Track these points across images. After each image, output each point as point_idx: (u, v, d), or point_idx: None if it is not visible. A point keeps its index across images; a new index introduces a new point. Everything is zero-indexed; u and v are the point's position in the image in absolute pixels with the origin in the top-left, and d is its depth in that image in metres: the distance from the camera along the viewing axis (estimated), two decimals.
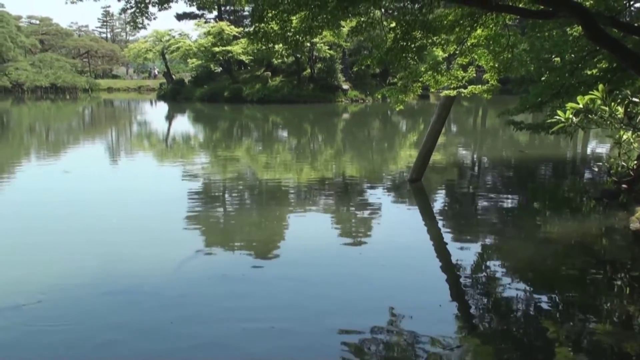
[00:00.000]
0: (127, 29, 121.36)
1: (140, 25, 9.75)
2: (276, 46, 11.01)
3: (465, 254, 10.09)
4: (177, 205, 13.51)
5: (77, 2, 9.49)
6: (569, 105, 5.64)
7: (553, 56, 15.56)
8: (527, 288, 8.39)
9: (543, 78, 15.33)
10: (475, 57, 13.10)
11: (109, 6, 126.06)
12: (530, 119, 22.97)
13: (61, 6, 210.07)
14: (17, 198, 14.65)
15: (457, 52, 12.93)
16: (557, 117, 5.74)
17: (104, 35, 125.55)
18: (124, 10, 9.46)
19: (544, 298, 8.00)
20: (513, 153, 23.60)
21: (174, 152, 25.21)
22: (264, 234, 11.52)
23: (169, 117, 48.25)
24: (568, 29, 14.06)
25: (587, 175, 18.65)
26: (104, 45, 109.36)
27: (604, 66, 14.00)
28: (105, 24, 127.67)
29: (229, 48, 56.40)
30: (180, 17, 74.41)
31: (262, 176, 18.02)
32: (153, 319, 7.28)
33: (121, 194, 14.96)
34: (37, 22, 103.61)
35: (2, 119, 45.54)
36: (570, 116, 5.63)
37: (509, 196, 15.14)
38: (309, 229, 11.84)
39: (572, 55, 14.32)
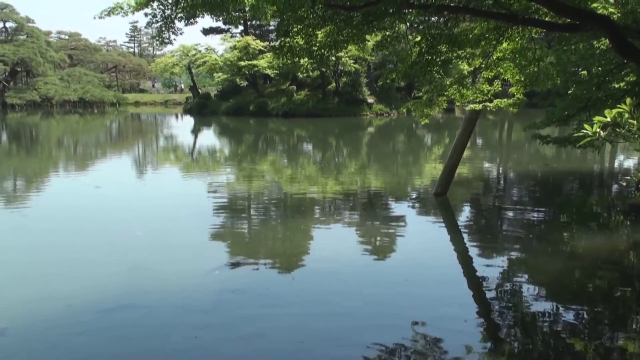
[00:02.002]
0: (155, 44, 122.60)
1: (166, 41, 9.82)
2: (301, 60, 11.07)
3: (491, 268, 10.01)
4: (202, 218, 13.59)
5: (105, 18, 9.61)
6: (596, 118, 5.60)
7: (580, 69, 15.47)
8: (554, 303, 8.30)
9: (570, 91, 15.23)
10: (501, 70, 13.04)
11: (137, 21, 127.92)
12: (556, 133, 22.78)
13: (90, 21, 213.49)
14: (44, 211, 14.85)
15: (483, 65, 12.88)
16: (584, 131, 5.70)
17: (131, 50, 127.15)
18: (149, 24, 9.55)
19: (571, 313, 7.92)
20: (539, 167, 23.40)
21: (200, 165, 25.37)
22: (289, 247, 11.54)
23: (195, 131, 48.62)
24: (595, 42, 13.96)
25: (615, 189, 18.43)
26: (132, 60, 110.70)
27: (631, 79, 13.87)
28: (132, 38, 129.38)
29: (254, 62, 56.73)
30: (206, 31, 75.06)
31: (287, 189, 18.06)
32: (177, 333, 7.29)
33: (147, 207, 15.11)
34: (66, 37, 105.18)
35: (32, 133, 46.24)
36: (598, 130, 5.59)
37: (536, 210, 15.00)
38: (334, 242, 11.84)
39: (599, 69, 14.22)
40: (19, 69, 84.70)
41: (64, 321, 7.62)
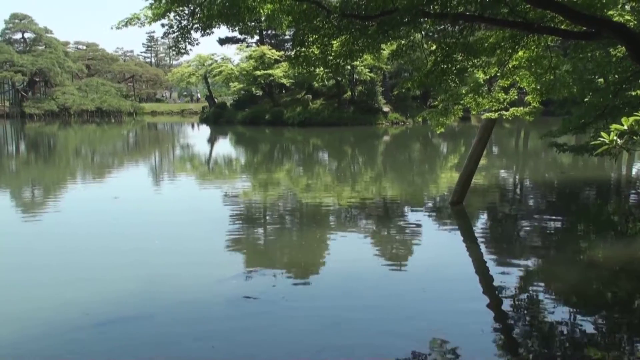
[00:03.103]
0: (171, 54, 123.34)
1: (183, 51, 9.91)
2: (317, 70, 11.08)
3: (507, 277, 9.96)
4: (218, 226, 13.64)
5: (122, 28, 9.71)
6: (613, 126, 5.56)
7: (596, 77, 15.37)
8: (572, 313, 8.24)
9: (586, 99, 15.14)
10: (517, 79, 12.99)
11: (154, 31, 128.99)
12: (573, 141, 22.66)
13: (107, 32, 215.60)
14: (62, 220, 14.95)
15: (499, 74, 12.84)
16: (601, 139, 5.67)
17: (148, 60, 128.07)
18: (166, 34, 9.63)
19: (589, 323, 7.86)
20: (556, 175, 23.28)
21: (216, 174, 25.48)
22: (304, 256, 11.54)
23: (211, 140, 48.83)
24: (611, 50, 13.88)
25: (633, 197, 18.29)
26: (149, 70, 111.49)
27: None
28: (149, 48, 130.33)
29: (270, 72, 56.90)
30: (222, 41, 75.42)
31: (302, 198, 18.08)
32: (195, 342, 7.31)
33: (164, 216, 15.17)
34: (84, 47, 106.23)
35: (50, 142, 46.65)
36: (615, 138, 5.55)
37: (552, 219, 14.92)
38: (349, 251, 11.82)
39: (616, 76, 14.13)
40: (37, 79, 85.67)
41: (81, 329, 7.66)
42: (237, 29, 66.87)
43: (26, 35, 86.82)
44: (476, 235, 13.61)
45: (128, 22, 9.42)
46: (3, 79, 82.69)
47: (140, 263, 10.77)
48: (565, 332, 7.65)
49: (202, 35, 9.67)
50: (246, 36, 71.24)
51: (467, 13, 9.00)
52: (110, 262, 10.89)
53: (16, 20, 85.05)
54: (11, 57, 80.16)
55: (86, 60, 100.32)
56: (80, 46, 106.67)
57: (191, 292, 9.10)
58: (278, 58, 57.38)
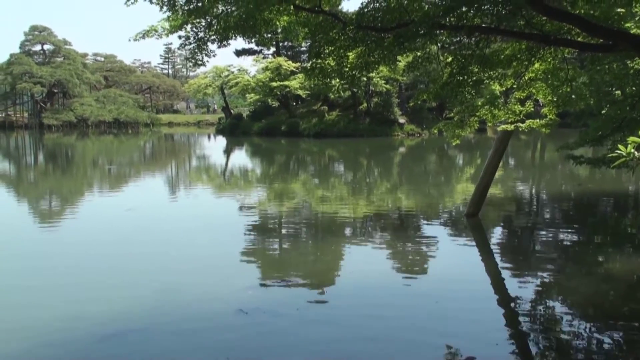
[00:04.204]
0: (188, 65, 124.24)
1: (199, 62, 9.98)
2: (333, 81, 11.12)
3: (523, 290, 9.90)
4: (234, 237, 13.68)
5: (139, 40, 9.82)
6: (631, 139, 5.53)
7: (613, 89, 15.30)
8: (589, 326, 8.18)
9: (603, 111, 15.07)
10: (533, 91, 12.95)
11: (171, 43, 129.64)
12: (590, 153, 22.50)
13: (125, 44, 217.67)
14: (78, 227, 15.06)
15: (515, 86, 12.82)
16: (618, 151, 5.65)
17: (165, 71, 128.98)
18: (183, 46, 9.71)
19: (606, 337, 7.78)
20: (572, 187, 23.13)
21: (232, 185, 25.56)
22: (320, 267, 11.54)
23: (227, 151, 49.01)
24: (629, 62, 13.81)
25: None
26: (165, 81, 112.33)
27: None
28: (166, 60, 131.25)
29: (286, 83, 57.10)
30: (239, 53, 75.83)
31: (318, 209, 18.09)
32: (208, 353, 7.31)
33: (180, 227, 15.22)
34: (102, 59, 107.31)
35: (68, 153, 47.03)
36: (632, 150, 5.53)
37: (569, 231, 14.82)
38: (365, 263, 11.81)
39: (634, 88, 14.05)
40: (55, 91, 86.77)
41: (91, 338, 7.69)
42: (253, 40, 67.07)
43: (45, 47, 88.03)
44: (492, 247, 13.55)
45: (145, 34, 9.53)
46: (22, 90, 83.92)
47: (154, 272, 10.81)
48: (581, 345, 7.59)
49: (219, 47, 9.73)
50: (262, 48, 71.49)
51: (483, 25, 9.00)
52: (124, 270, 10.98)
53: (36, 32, 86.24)
54: (30, 69, 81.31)
55: (104, 72, 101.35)
56: (99, 58, 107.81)
57: (205, 302, 9.12)
58: (294, 69, 57.63)
